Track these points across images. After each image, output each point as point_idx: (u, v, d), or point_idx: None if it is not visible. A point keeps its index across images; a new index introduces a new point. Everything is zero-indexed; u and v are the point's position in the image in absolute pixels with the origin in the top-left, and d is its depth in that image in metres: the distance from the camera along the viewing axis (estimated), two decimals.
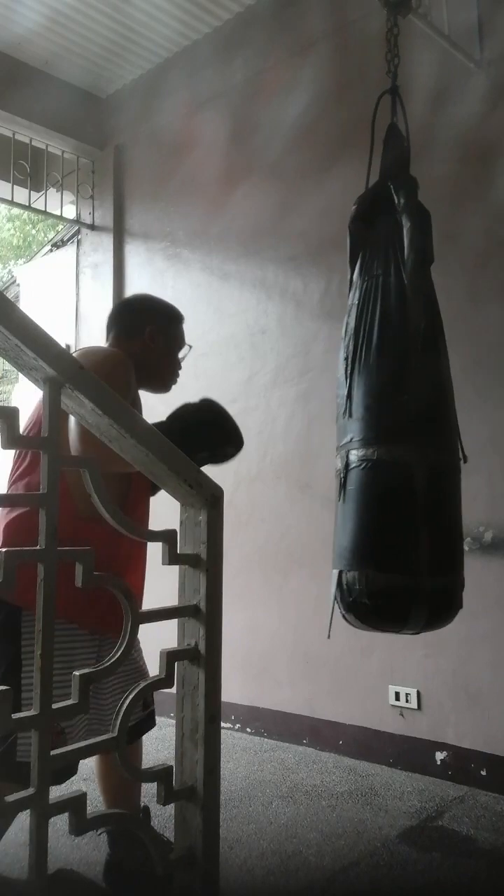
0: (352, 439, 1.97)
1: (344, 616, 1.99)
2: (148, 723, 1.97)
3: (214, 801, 1.11)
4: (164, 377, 2.05)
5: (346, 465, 1.96)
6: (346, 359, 2.05)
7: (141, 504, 1.88)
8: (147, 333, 1.99)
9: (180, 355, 2.08)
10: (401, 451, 1.89)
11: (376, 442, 1.91)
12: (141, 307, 2.11)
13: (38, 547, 0.96)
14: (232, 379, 3.64)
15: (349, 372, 2.02)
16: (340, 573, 1.94)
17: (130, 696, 1.06)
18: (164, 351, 2.02)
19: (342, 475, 1.98)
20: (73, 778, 2.77)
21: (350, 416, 1.98)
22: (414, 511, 1.88)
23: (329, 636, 2.02)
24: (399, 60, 2.24)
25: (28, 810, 0.93)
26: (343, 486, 1.98)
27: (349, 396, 1.99)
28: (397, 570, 1.86)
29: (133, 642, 1.06)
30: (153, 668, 1.12)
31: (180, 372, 2.08)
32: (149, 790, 2.42)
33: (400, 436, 1.91)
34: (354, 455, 1.95)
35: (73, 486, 1.60)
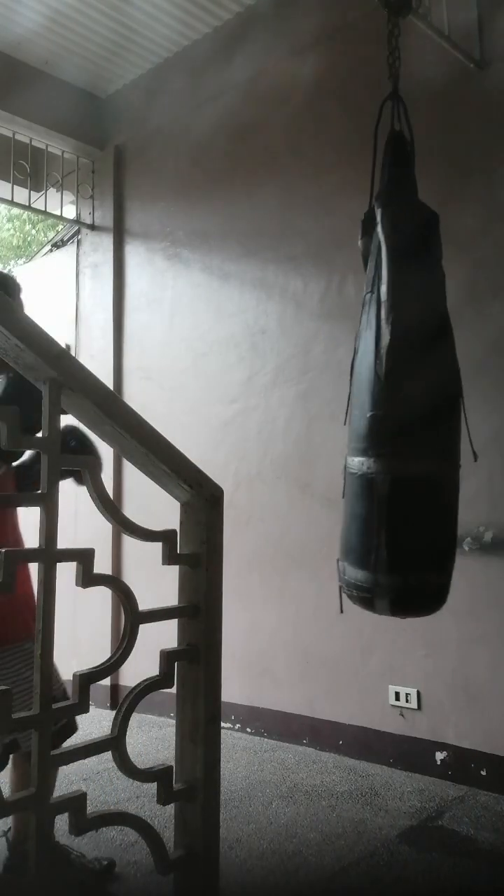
0: (347, 445, 2.19)
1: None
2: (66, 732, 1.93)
3: (214, 801, 1.11)
4: None
5: (344, 468, 2.19)
6: (350, 367, 2.23)
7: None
8: None
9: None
10: (369, 463, 2.10)
11: (352, 452, 2.14)
12: None
13: (38, 547, 0.96)
14: (232, 379, 3.64)
15: (350, 380, 2.21)
16: (338, 560, 2.21)
17: (131, 698, 1.05)
18: None
19: (343, 476, 2.20)
20: (72, 778, 2.78)
21: (349, 422, 2.19)
22: (373, 516, 2.08)
23: (342, 611, 2.24)
24: (400, 63, 2.24)
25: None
26: (343, 486, 2.20)
27: (348, 403, 2.20)
28: (360, 566, 2.11)
29: (133, 642, 1.06)
30: (154, 668, 1.12)
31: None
32: (149, 790, 2.42)
33: (368, 450, 2.10)
34: (345, 460, 2.18)
35: None
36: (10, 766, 1.98)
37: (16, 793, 1.86)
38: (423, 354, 2.10)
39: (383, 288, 2.10)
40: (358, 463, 2.10)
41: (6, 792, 1.79)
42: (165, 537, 1.11)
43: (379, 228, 2.15)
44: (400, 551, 2.05)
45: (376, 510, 2.06)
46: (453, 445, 2.13)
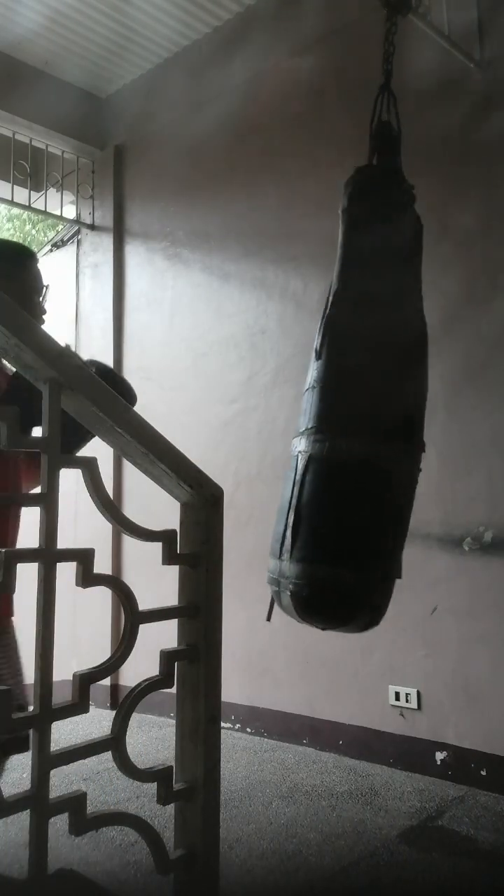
0: None
1: None
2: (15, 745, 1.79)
3: (214, 801, 1.11)
4: None
5: None
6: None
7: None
8: None
9: (39, 298, 1.84)
10: (296, 441, 1.98)
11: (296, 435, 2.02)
12: None
13: (38, 547, 0.96)
14: (232, 379, 3.64)
15: None
16: None
17: (131, 698, 1.05)
18: (17, 299, 1.82)
19: None
20: (72, 778, 2.78)
21: None
22: (287, 498, 1.94)
23: (268, 619, 2.08)
24: (394, 50, 2.24)
25: (28, 810, 0.93)
26: None
27: None
28: (272, 553, 1.97)
29: (133, 642, 1.05)
30: (154, 668, 1.11)
31: (45, 317, 1.86)
32: (149, 790, 2.42)
33: (299, 428, 1.99)
34: None
35: None
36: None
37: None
38: (367, 325, 1.96)
39: (336, 264, 2.05)
40: (292, 443, 1.99)
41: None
42: (165, 537, 1.11)
43: (339, 208, 2.12)
44: (307, 537, 1.84)
45: (291, 491, 1.90)
46: (403, 427, 1.93)
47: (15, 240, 1.93)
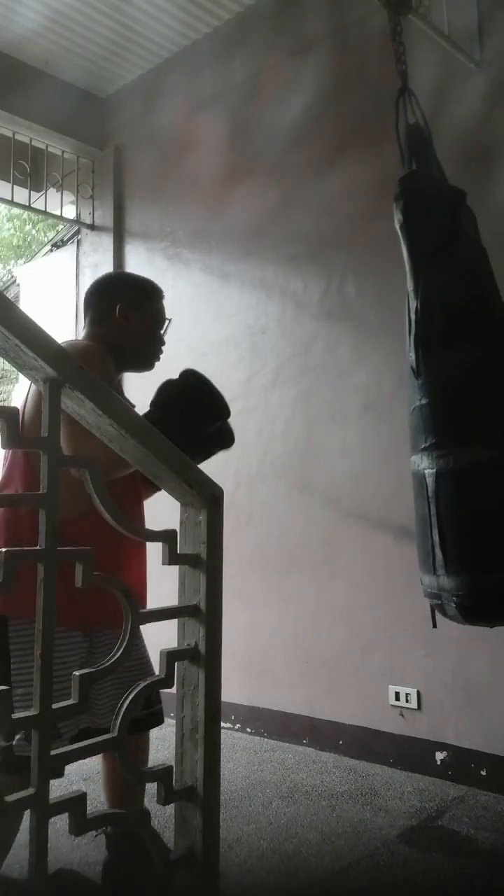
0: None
1: None
2: (149, 720, 1.90)
3: (214, 801, 1.11)
4: (143, 356, 1.96)
5: None
6: None
7: (134, 505, 1.86)
8: (118, 313, 1.89)
9: (161, 331, 1.97)
10: (417, 460, 2.03)
11: (411, 451, 2.08)
12: (108, 287, 1.99)
13: (38, 547, 0.96)
14: (232, 379, 3.64)
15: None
16: None
17: (131, 696, 1.05)
18: (138, 329, 1.92)
19: None
20: (72, 778, 2.77)
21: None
22: (427, 516, 2.00)
23: (434, 625, 2.16)
24: (404, 49, 2.24)
25: (28, 810, 0.93)
26: None
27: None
28: (425, 570, 2.03)
29: (133, 642, 1.06)
30: (153, 668, 1.12)
31: (164, 348, 2.00)
32: (149, 790, 2.42)
33: (415, 446, 2.03)
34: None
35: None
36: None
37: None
38: (458, 340, 1.99)
39: (409, 281, 2.06)
40: (413, 462, 2.04)
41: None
42: (165, 537, 1.11)
43: (396, 224, 2.12)
44: (454, 550, 1.92)
45: (427, 509, 1.96)
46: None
47: (144, 276, 2.11)
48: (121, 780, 1.90)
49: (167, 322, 1.99)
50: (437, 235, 2.07)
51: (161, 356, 2.01)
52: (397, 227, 2.12)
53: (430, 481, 1.96)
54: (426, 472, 1.97)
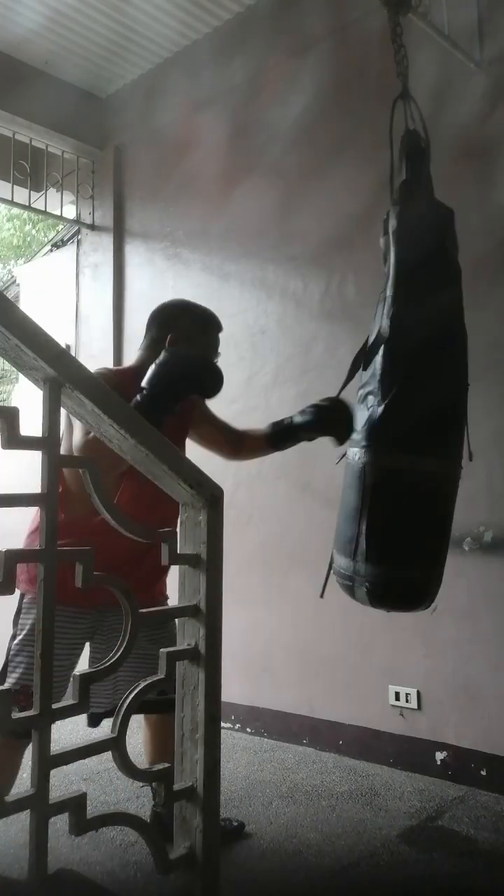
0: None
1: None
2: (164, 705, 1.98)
3: (214, 801, 1.11)
4: None
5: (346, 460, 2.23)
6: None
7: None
8: (168, 342, 1.99)
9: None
10: (360, 454, 2.12)
11: (350, 444, 2.18)
12: (166, 315, 2.11)
13: (38, 547, 0.96)
14: (232, 379, 3.62)
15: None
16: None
17: (131, 697, 1.05)
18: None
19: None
20: (72, 778, 2.78)
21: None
22: (359, 506, 2.10)
23: (322, 595, 2.29)
24: (405, 52, 2.23)
25: (28, 810, 0.93)
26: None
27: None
28: (344, 554, 2.15)
29: (133, 642, 1.05)
30: None
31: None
32: (149, 790, 2.42)
33: (362, 440, 2.12)
34: (347, 452, 2.22)
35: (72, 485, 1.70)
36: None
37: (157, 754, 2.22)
38: (424, 352, 2.08)
39: (388, 284, 2.10)
40: (352, 454, 2.13)
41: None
42: (165, 537, 1.11)
43: (389, 228, 2.14)
44: (377, 542, 2.05)
45: (361, 500, 2.07)
46: (451, 442, 2.12)
47: (205, 307, 2.24)
48: (161, 740, 2.14)
49: (217, 356, 2.11)
50: (423, 245, 2.11)
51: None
52: (390, 231, 2.13)
53: (368, 475, 2.05)
54: (366, 465, 2.06)
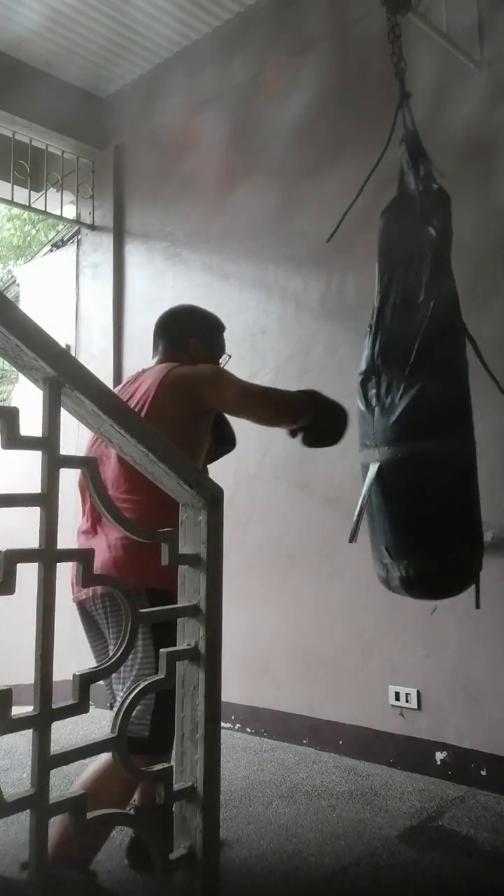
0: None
1: None
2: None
3: (214, 801, 1.11)
4: None
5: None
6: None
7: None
8: (191, 344, 2.09)
9: (221, 363, 2.18)
10: (365, 453, 2.24)
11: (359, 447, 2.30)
12: (186, 319, 2.21)
13: (38, 547, 0.96)
14: None
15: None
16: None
17: (130, 697, 1.05)
18: (205, 360, 2.10)
19: None
20: (72, 778, 2.77)
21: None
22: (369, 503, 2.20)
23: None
24: (406, 64, 2.24)
25: (28, 810, 0.93)
26: None
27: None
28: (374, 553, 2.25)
29: (133, 642, 1.05)
30: None
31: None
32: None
33: (363, 439, 2.25)
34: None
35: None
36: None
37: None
38: (413, 350, 2.13)
39: (377, 287, 2.16)
40: (361, 456, 2.21)
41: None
42: (165, 537, 1.11)
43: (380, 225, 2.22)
44: (395, 536, 2.12)
45: (370, 498, 2.16)
46: (452, 424, 2.19)
47: (210, 311, 2.39)
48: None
49: (227, 357, 2.23)
50: (406, 248, 2.17)
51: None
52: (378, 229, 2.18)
53: (375, 473, 2.13)
54: (367, 463, 2.16)
